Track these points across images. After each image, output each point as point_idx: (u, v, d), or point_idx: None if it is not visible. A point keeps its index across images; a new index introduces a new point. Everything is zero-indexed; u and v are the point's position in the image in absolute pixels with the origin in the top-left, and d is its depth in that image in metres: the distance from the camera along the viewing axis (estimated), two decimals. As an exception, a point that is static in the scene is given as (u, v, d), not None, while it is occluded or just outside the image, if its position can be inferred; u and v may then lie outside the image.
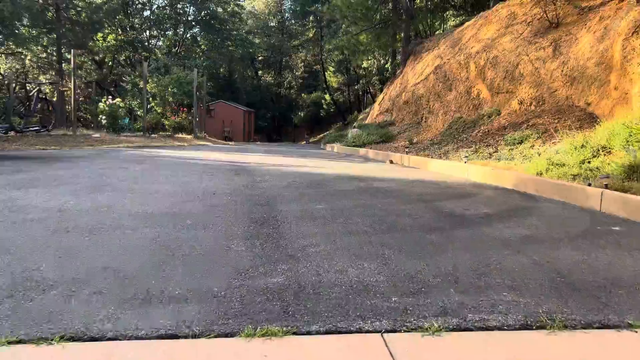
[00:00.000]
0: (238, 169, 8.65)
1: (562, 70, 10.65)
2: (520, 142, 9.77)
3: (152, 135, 17.59)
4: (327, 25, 57.32)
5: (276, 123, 66.03)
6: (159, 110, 21.49)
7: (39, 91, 10.28)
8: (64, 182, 6.02)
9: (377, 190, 6.37)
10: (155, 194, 5.33)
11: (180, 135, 19.60)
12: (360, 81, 54.63)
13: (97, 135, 15.19)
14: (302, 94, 68.64)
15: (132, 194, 5.36)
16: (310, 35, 63.54)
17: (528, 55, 11.97)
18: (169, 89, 21.17)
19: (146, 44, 30.49)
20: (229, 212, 4.47)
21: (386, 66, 46.67)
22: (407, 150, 11.80)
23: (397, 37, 22.02)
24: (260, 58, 66.19)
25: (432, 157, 10.60)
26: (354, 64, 37.84)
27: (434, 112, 15.60)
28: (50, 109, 10.93)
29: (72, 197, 4.93)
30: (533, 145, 9.33)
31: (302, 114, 68.30)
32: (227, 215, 4.30)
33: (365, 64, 50.09)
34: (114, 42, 28.52)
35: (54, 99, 20.52)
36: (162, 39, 38.36)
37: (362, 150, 14.08)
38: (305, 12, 61.45)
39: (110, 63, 30.06)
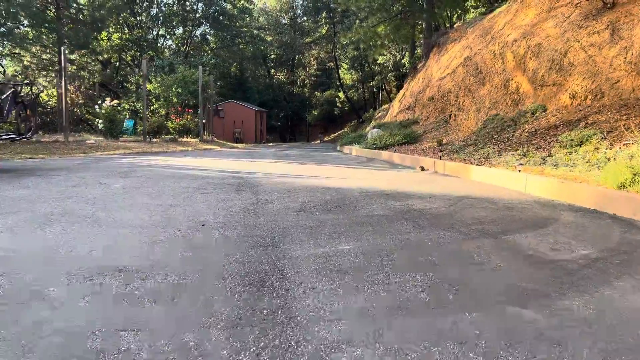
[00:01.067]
0: (241, 182, 7.17)
1: (625, 58, 8.98)
2: (580, 144, 8.14)
3: (154, 139, 16.25)
4: (341, 21, 55.76)
5: (289, 122, 64.76)
6: (162, 112, 20.15)
7: (15, 94, 8.88)
8: (14, 208, 4.60)
9: (419, 214, 4.84)
10: (122, 228, 3.88)
11: (184, 138, 18.24)
12: (376, 78, 53.01)
13: (92, 140, 13.86)
14: (316, 92, 67.28)
15: (92, 227, 3.92)
16: (323, 31, 62.03)
17: (579, 42, 10.30)
18: (173, 89, 19.80)
19: (153, 43, 29.18)
20: (216, 263, 2.99)
21: (403, 61, 44.99)
22: (439, 154, 10.21)
23: (418, 28, 20.37)
24: (272, 56, 64.86)
25: (471, 163, 9.02)
26: (370, 59, 36.24)
27: (464, 108, 13.96)
28: (27, 113, 9.54)
29: (5, 235, 3.50)
30: (597, 148, 7.71)
31: (315, 113, 66.94)
32: (212, 270, 2.82)
33: (380, 60, 48.47)
34: (119, 41, 27.27)
35: (50, 102, 19.40)
36: (171, 37, 37.16)
37: (385, 154, 12.52)
38: (318, 8, 59.98)
39: (117, 63, 28.86)
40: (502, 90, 12.38)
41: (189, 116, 19.36)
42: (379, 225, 4.26)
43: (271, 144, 32.34)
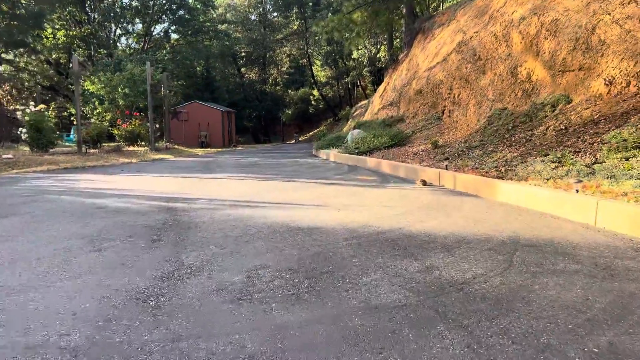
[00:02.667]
0: (168, 221, 4.75)
1: (682, 29, 6.86)
2: (639, 146, 5.97)
3: (92, 150, 13.63)
4: (312, 16, 53.38)
5: (263, 122, 62.22)
6: (107, 117, 17.45)
7: None
8: None
9: (464, 300, 2.59)
10: None
11: (132, 147, 15.63)
12: (351, 73, 50.86)
13: (9, 155, 11.18)
14: (289, 91, 64.89)
15: None
16: (295, 27, 59.68)
17: (610, 14, 8.17)
18: (120, 90, 17.12)
19: (106, 40, 26.21)
20: None
21: (378, 55, 42.90)
22: (445, 162, 7.93)
23: (398, 13, 18.21)
24: (242, 54, 62.09)
25: (488, 174, 6.77)
26: (345, 52, 33.89)
27: (460, 102, 11.76)
28: None
29: None
30: (671, 151, 5.56)
31: (289, 112, 64.62)
32: None
33: (355, 54, 46.36)
34: (64, 39, 24.28)
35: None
36: (129, 35, 34.19)
37: (370, 161, 10.21)
38: (288, 3, 57.52)
39: (68, 64, 25.82)
40: (508, 79, 10.21)
41: (137, 121, 16.70)
42: (398, 345, 1.93)
43: (240, 147, 29.74)
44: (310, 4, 57.21)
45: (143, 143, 16.67)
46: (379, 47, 43.82)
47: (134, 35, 32.31)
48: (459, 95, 11.90)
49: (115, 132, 16.37)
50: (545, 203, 4.97)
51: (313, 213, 5.00)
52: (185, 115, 28.41)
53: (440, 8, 20.78)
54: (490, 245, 3.67)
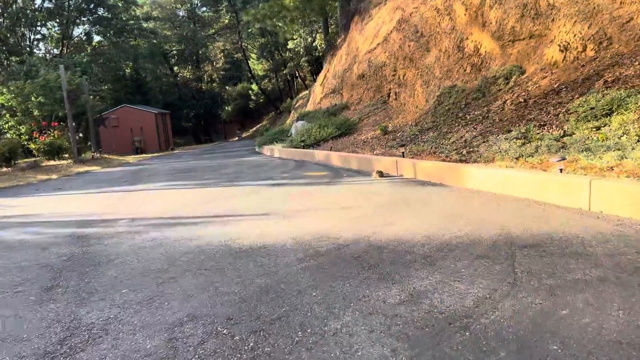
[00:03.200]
0: (73, 256, 3.71)
1: (635, -14, 6.44)
2: (610, 113, 5.49)
3: (4, 169, 11.99)
4: (242, 8, 51.70)
5: (202, 121, 60.15)
6: (22, 130, 15.63)
7: None
8: None
9: (475, 345, 1.80)
10: None
11: (53, 162, 14.00)
12: (288, 65, 49.89)
13: None
14: (227, 87, 63.10)
15: None
16: (226, 21, 57.80)
17: (556, -24, 7.71)
18: (33, 99, 15.34)
19: (17, 46, 23.73)
20: None
21: (315, 44, 42.11)
22: (402, 151, 7.21)
23: (332, -5, 17.46)
24: (173, 52, 59.54)
25: (449, 158, 6.12)
26: (281, 40, 33.12)
27: (406, 83, 11.15)
28: None
29: None
30: (645, 117, 5.08)
31: (229, 108, 62.89)
32: None
33: (291, 44, 45.36)
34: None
35: None
36: (47, 40, 31.47)
37: (319, 154, 9.39)
38: (215, -3, 55.59)
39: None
40: (455, 55, 9.66)
41: (56, 132, 14.99)
42: None
43: (179, 150, 28.11)
44: (244, 12, 55.79)
45: (67, 155, 15.03)
46: (314, 35, 43.00)
47: (51, 39, 29.73)
48: (404, 76, 11.28)
49: (32, 146, 14.63)
50: (524, 187, 4.32)
51: (258, 226, 4.11)
52: (115, 121, 26.47)
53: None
54: (481, 250, 2.93)
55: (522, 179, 4.38)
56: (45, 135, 14.67)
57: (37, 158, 14.29)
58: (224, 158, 13.61)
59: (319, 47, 41.36)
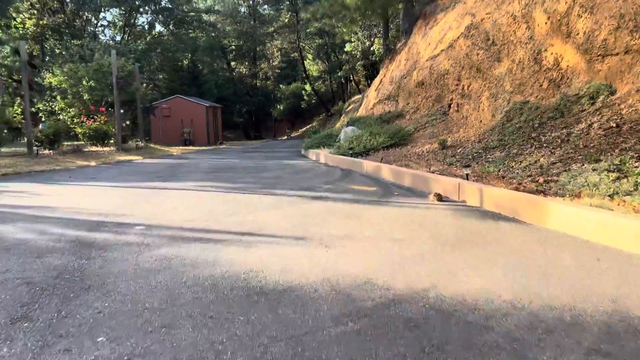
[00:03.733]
0: (65, 271, 3.09)
1: None
2: None
3: (46, 152, 11.88)
4: (304, 8, 51.58)
5: (254, 118, 60.42)
6: (72, 113, 15.62)
7: None
8: None
9: None
10: None
11: (97, 148, 13.85)
12: (343, 67, 49.16)
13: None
14: (281, 85, 63.22)
15: None
16: (286, 20, 57.85)
17: (665, -17, 6.57)
18: (85, 82, 15.31)
19: (80, 30, 24.18)
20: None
21: (372, 48, 41.23)
22: (467, 172, 6.24)
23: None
24: (232, 47, 60.18)
25: (522, 186, 5.15)
26: (338, 41, 32.32)
27: (471, 95, 10.16)
28: None
29: None
30: None
31: (281, 107, 62.95)
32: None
33: (348, 47, 44.66)
34: (34, 28, 22.32)
35: None
36: (112, 26, 32.21)
37: (367, 164, 8.57)
38: (279, -5, 55.75)
39: (40, 55, 23.71)
40: (530, 67, 8.61)
41: (103, 117, 14.89)
42: None
43: (226, 145, 27.94)
44: (303, 9, 55.42)
45: (113, 142, 14.89)
46: (372, 39, 42.13)
47: (115, 26, 30.34)
48: (468, 87, 10.29)
49: (79, 130, 14.58)
50: (629, 239, 3.36)
51: (287, 254, 3.36)
52: (166, 111, 26.60)
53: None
54: (591, 339, 2.04)
55: (626, 228, 3.41)
56: (92, 120, 14.62)
57: (82, 142, 14.23)
58: (268, 159, 13.02)
59: (376, 52, 40.43)
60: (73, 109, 15.62)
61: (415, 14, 15.33)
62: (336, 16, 16.54)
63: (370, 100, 17.43)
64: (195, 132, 27.24)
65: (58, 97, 15.85)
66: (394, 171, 7.32)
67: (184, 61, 38.68)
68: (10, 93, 20.31)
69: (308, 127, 56.98)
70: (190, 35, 35.42)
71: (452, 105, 10.87)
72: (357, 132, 11.31)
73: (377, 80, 17.93)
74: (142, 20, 32.68)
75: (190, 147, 22.58)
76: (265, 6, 60.31)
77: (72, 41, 21.48)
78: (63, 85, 15.57)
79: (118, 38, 32.25)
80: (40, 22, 22.39)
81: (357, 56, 45.13)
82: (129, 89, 15.80)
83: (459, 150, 8.44)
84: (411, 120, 12.31)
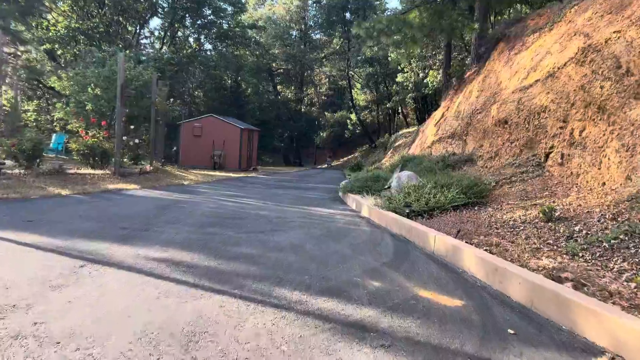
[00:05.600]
0: None
1: None
2: None
3: (15, 171, 9.48)
4: (356, 36, 49.77)
5: (295, 143, 58.52)
6: (75, 125, 13.40)
7: None
8: None
9: None
10: None
11: (88, 170, 11.39)
12: (393, 98, 46.54)
13: None
14: (326, 113, 61.34)
15: None
16: (337, 47, 56.18)
17: None
18: (90, 90, 13.13)
19: (112, 35, 22.60)
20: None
21: (426, 80, 38.48)
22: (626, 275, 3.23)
23: (467, 15, 13.71)
24: (280, 71, 58.90)
25: None
26: (393, 65, 29.67)
27: (585, 144, 7.12)
28: None
29: None
30: None
31: (324, 135, 60.98)
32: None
33: (399, 78, 42.12)
34: (64, 30, 20.82)
35: None
36: (152, 36, 30.91)
37: (436, 239, 5.58)
38: (331, 22, 54.28)
39: (69, 57, 22.20)
40: (701, 109, 5.56)
41: (102, 132, 12.51)
42: None
43: (257, 172, 25.44)
44: (355, 22, 53.27)
45: (125, 162, 12.58)
46: (426, 71, 39.49)
47: (154, 35, 28.90)
48: (582, 132, 7.26)
49: (73, 146, 12.30)
50: None
51: None
52: (198, 130, 24.52)
53: (525, 10, 15.96)
54: None
55: None
56: (88, 134, 12.32)
57: (78, 160, 11.96)
58: (295, 202, 10.29)
59: (429, 84, 37.68)
60: (74, 120, 13.45)
61: (495, 35, 12.46)
62: (394, 35, 13.91)
63: (428, 137, 14.51)
64: (227, 155, 24.99)
65: (57, 105, 13.79)
66: (489, 266, 4.35)
67: (227, 80, 37.01)
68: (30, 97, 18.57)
69: (350, 157, 54.50)
70: (235, 53, 33.65)
71: (551, 155, 7.84)
72: (415, 179, 8.38)
73: (437, 114, 15.03)
74: (184, 33, 31.13)
75: (216, 173, 20.21)
76: (317, 30, 58.99)
77: (103, 47, 19.80)
78: (66, 92, 13.51)
79: (157, 47, 30.85)
80: (72, 25, 20.87)
81: (409, 88, 42.45)
82: (142, 102, 13.55)
83: (577, 228, 5.41)
84: (487, 169, 9.33)
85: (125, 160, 14.45)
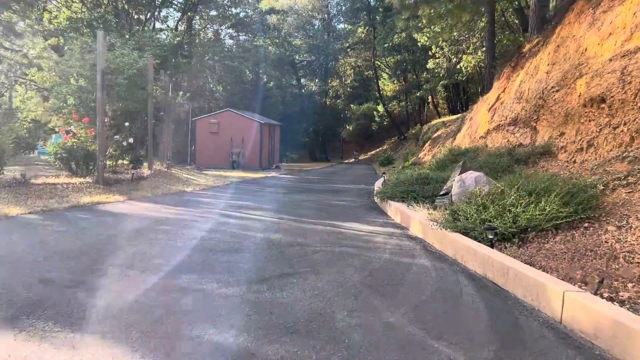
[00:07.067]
0: None
1: None
2: None
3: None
4: (382, 22, 46.97)
5: (321, 138, 56.23)
6: (56, 122, 11.43)
7: None
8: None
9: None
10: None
11: (66, 179, 9.26)
12: (423, 87, 43.74)
13: None
14: (352, 105, 58.80)
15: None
16: (362, 34, 53.46)
17: None
18: (72, 81, 11.10)
19: (118, 24, 20.70)
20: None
21: (459, 66, 35.59)
22: None
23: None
24: (303, 62, 56.65)
25: None
26: (429, 42, 27.01)
27: None
28: None
29: None
30: None
31: (351, 128, 58.51)
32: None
33: (430, 64, 39.25)
34: (66, 22, 19.01)
35: None
36: (164, 28, 29.07)
37: (561, 294, 3.23)
38: (356, 9, 51.67)
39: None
40: None
41: (83, 131, 10.43)
42: None
43: (280, 170, 23.27)
44: (381, 9, 50.47)
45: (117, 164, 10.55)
46: (460, 56, 36.58)
47: (169, 28, 26.95)
48: None
49: (50, 148, 10.33)
50: None
51: None
52: (214, 127, 22.54)
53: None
54: None
55: None
56: (70, 134, 10.32)
57: (56, 165, 10.01)
58: (320, 210, 8.08)
59: (463, 70, 34.84)
60: (55, 116, 11.48)
61: (570, -7, 9.89)
62: (430, 5, 11.45)
63: (480, 125, 12.03)
64: (247, 152, 22.93)
65: (33, 101, 11.86)
66: None
67: (248, 73, 34.94)
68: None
69: (378, 150, 51.93)
70: (255, 43, 31.55)
71: (691, 144, 5.36)
72: (485, 184, 6.00)
73: (490, 97, 12.52)
74: (201, 24, 29.15)
75: (233, 174, 18.16)
76: (341, 18, 56.46)
77: (109, 38, 17.90)
78: (46, 84, 11.59)
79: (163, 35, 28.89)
80: (75, 16, 19.09)
81: (441, 74, 39.61)
82: (136, 94, 11.43)
83: None
84: (576, 166, 6.89)
85: (124, 162, 12.49)
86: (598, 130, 6.91)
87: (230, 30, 29.56)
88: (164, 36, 23.99)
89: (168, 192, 10.26)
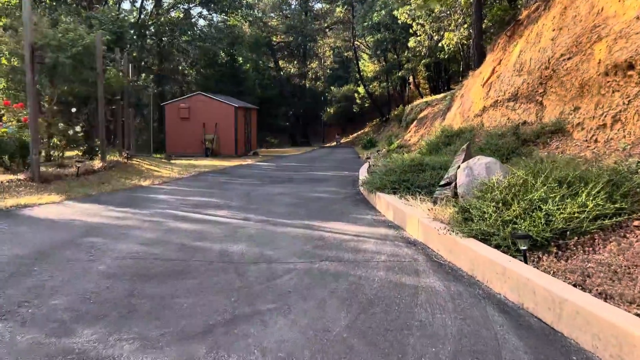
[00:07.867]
0: None
1: None
2: None
3: None
4: (361, 0, 45.45)
5: (301, 121, 54.87)
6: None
7: None
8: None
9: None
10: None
11: None
12: (405, 66, 42.44)
13: None
14: (332, 87, 57.33)
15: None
16: (340, 14, 51.83)
17: None
18: (4, 61, 9.50)
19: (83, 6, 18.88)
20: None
21: (440, 44, 34.41)
22: None
23: None
24: (280, 44, 54.84)
25: None
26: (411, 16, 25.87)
27: None
28: None
29: None
30: None
31: (331, 110, 57.26)
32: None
33: (411, 43, 37.97)
34: (15, 1, 17.22)
35: None
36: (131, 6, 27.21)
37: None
38: (333, -13, 49.98)
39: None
40: None
41: (15, 118, 8.95)
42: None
43: (258, 157, 21.88)
44: (359, -14, 48.91)
45: (54, 157, 9.15)
46: (441, 33, 35.35)
47: (135, 8, 25.11)
48: None
49: None
50: None
51: None
52: (184, 112, 21.01)
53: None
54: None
55: None
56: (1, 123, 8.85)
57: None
58: (297, 205, 6.88)
59: (445, 48, 33.67)
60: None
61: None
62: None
63: (474, 102, 10.85)
64: (221, 139, 21.47)
65: None
66: None
67: (222, 55, 33.22)
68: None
69: (360, 132, 50.79)
70: (228, 22, 29.86)
71: None
72: (499, 172, 4.82)
73: (484, 70, 11.32)
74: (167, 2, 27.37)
75: (205, 162, 16.78)
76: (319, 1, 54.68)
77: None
78: (-27, 67, 10.06)
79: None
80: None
81: (422, 53, 38.36)
82: (82, 75, 9.93)
83: None
84: (602, 145, 5.77)
85: (78, 153, 11.06)
86: (626, 102, 5.77)
87: (200, 9, 27.79)
88: (124, 13, 22.19)
89: (120, 187, 8.89)
